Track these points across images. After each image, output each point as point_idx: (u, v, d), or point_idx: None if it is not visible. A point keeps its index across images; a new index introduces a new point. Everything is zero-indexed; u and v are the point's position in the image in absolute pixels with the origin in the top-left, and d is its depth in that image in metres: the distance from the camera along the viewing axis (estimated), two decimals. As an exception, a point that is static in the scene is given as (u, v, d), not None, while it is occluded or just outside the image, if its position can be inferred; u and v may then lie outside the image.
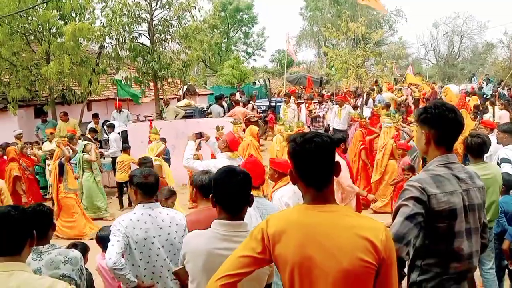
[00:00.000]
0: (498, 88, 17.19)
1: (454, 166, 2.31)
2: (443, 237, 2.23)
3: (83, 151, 8.49)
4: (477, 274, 3.17)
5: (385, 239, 1.70)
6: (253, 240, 1.81)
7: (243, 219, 2.30)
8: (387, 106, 11.40)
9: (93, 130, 11.16)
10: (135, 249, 2.98)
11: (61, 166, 7.82)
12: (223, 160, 4.96)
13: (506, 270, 4.52)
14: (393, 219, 2.21)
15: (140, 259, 3.02)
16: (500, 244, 4.28)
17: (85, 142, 8.75)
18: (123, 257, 2.97)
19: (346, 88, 17.18)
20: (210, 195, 2.33)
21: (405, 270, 2.29)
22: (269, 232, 1.77)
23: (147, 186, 3.09)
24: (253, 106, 14.48)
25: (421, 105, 13.42)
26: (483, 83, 21.04)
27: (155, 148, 7.53)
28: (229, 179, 2.28)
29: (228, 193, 2.25)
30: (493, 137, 5.68)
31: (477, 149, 3.99)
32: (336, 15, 29.10)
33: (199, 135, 5.59)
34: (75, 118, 12.11)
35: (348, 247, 1.67)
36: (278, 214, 1.90)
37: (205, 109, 15.07)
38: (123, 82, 12.98)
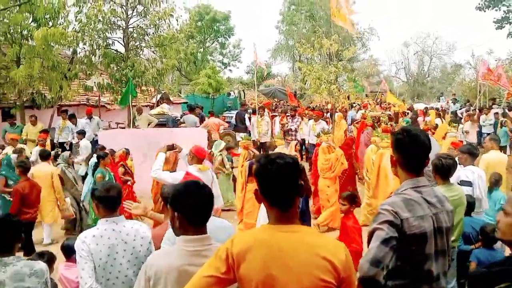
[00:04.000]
0: (463, 109, 17.86)
1: (424, 189, 2.36)
2: (414, 259, 2.28)
3: None
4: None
5: (345, 259, 1.77)
6: (218, 259, 1.82)
7: (206, 233, 2.28)
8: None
9: (81, 132, 10.75)
10: (98, 266, 2.89)
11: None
12: (188, 171, 4.95)
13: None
14: (368, 242, 2.25)
15: (102, 276, 2.92)
16: (459, 262, 4.43)
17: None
18: None
19: (319, 104, 17.53)
20: (172, 210, 2.27)
21: None
22: (234, 252, 1.79)
23: (109, 200, 3.01)
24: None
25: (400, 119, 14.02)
26: (450, 102, 21.85)
27: None
28: (197, 192, 2.26)
29: (196, 206, 2.22)
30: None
31: (447, 171, 4.04)
32: (311, 31, 29.57)
33: (171, 147, 5.55)
34: (43, 123, 11.83)
35: (309, 267, 1.73)
36: (243, 233, 1.95)
37: (178, 118, 14.98)
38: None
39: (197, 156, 5.28)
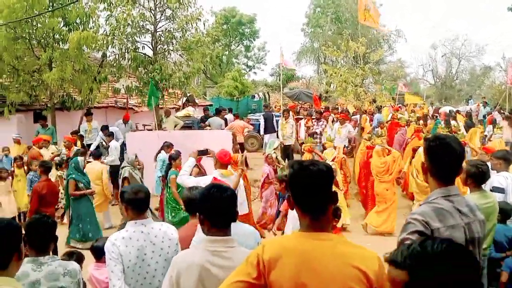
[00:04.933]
0: (492, 112, 17.40)
1: (456, 199, 2.30)
2: None
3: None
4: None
5: (378, 269, 1.74)
6: (249, 265, 1.82)
7: (230, 235, 2.35)
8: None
9: (111, 134, 11.11)
10: (128, 267, 2.94)
11: None
12: (212, 177, 4.96)
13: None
14: None
15: (131, 278, 2.96)
16: (489, 270, 4.33)
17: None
18: None
19: (343, 105, 17.40)
20: (198, 212, 2.36)
21: None
22: (265, 258, 1.79)
23: (137, 202, 3.06)
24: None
25: (429, 121, 13.99)
26: (481, 106, 21.33)
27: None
28: (219, 195, 2.33)
29: (217, 208, 2.30)
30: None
31: (481, 177, 3.94)
32: (336, 33, 29.35)
33: (203, 153, 5.53)
34: (72, 125, 12.08)
35: (341, 276, 1.72)
36: (274, 240, 1.96)
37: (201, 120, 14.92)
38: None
39: (220, 161, 5.28)
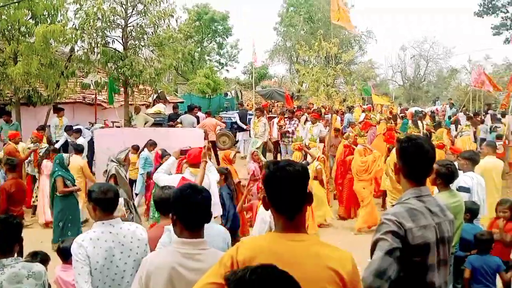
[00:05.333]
0: (457, 113, 17.99)
1: (427, 199, 2.36)
2: (417, 270, 2.25)
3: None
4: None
5: (352, 270, 1.76)
6: (222, 266, 1.81)
7: (203, 237, 2.30)
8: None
9: (78, 131, 10.92)
10: (95, 269, 2.86)
11: None
12: (181, 176, 4.89)
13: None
14: (371, 253, 2.23)
15: (99, 280, 2.88)
16: (455, 267, 4.46)
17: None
18: None
19: (314, 105, 17.56)
20: (171, 213, 2.30)
21: None
22: (239, 259, 1.78)
23: (106, 202, 2.99)
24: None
25: (398, 121, 14.39)
26: (447, 106, 21.99)
27: None
28: (194, 196, 2.27)
29: (192, 210, 2.24)
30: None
31: (450, 177, 4.06)
32: (309, 33, 29.64)
33: (185, 152, 5.44)
34: (38, 120, 11.72)
35: (316, 277, 1.72)
36: (248, 240, 1.94)
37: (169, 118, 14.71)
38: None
39: (190, 162, 5.19)
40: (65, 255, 3.89)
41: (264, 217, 4.75)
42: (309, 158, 8.82)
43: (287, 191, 1.81)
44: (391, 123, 13.43)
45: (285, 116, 13.51)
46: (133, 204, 7.70)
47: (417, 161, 2.36)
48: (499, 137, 12.00)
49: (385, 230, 2.20)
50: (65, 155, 7.58)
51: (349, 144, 9.52)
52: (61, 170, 7.13)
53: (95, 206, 2.99)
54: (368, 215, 8.16)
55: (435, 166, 4.13)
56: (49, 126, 12.26)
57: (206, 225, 2.48)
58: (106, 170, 7.92)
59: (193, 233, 2.26)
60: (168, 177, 4.89)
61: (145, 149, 9.26)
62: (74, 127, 11.30)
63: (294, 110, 14.61)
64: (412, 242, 2.20)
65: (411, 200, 2.33)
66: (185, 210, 2.26)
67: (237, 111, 14.91)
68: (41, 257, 3.98)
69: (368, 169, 8.24)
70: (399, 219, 2.22)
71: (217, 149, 13.34)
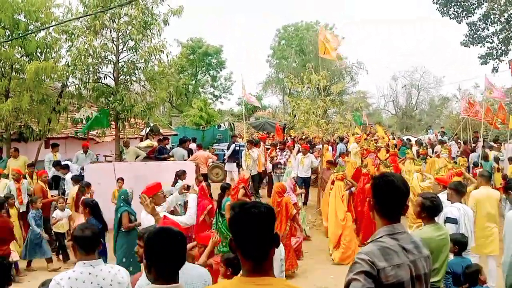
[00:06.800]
0: (449, 142, 18.11)
1: (400, 236, 2.33)
2: None
3: None
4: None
5: None
6: None
7: (177, 282, 2.20)
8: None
9: (66, 167, 10.88)
10: None
11: None
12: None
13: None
14: None
15: None
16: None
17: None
18: None
19: (308, 136, 17.67)
20: (144, 259, 2.19)
21: None
22: None
23: (84, 241, 2.95)
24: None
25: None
26: (438, 135, 22.14)
27: None
28: (167, 241, 2.16)
29: (163, 258, 2.13)
30: (443, 195, 5.86)
31: (435, 210, 4.01)
32: (301, 64, 30.14)
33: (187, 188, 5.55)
34: (26, 156, 11.64)
35: None
36: (216, 286, 1.91)
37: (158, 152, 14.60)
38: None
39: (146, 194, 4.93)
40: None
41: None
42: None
43: (252, 234, 1.77)
44: (393, 149, 13.89)
45: (277, 147, 13.55)
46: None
47: (388, 197, 2.35)
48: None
49: (357, 271, 2.16)
50: (128, 190, 7.13)
51: (367, 172, 9.80)
52: (126, 205, 6.92)
53: (74, 245, 2.97)
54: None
55: (419, 199, 4.14)
56: (41, 161, 12.21)
57: (190, 266, 2.40)
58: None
59: (168, 280, 2.15)
60: (149, 218, 4.74)
61: (179, 180, 9.28)
62: (62, 163, 11.26)
63: (286, 142, 14.66)
64: (386, 282, 2.16)
65: (384, 238, 2.30)
66: (157, 258, 2.14)
67: (235, 144, 14.92)
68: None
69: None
70: (372, 258, 2.18)
71: (210, 181, 13.27)
